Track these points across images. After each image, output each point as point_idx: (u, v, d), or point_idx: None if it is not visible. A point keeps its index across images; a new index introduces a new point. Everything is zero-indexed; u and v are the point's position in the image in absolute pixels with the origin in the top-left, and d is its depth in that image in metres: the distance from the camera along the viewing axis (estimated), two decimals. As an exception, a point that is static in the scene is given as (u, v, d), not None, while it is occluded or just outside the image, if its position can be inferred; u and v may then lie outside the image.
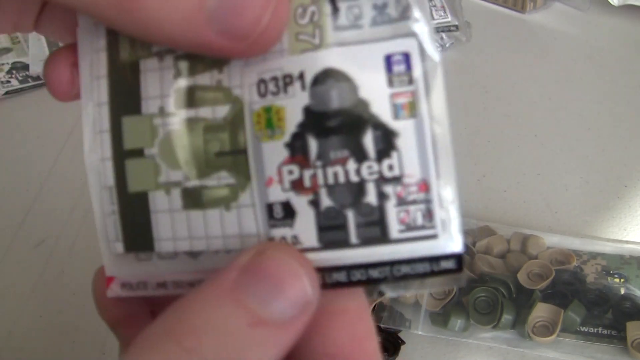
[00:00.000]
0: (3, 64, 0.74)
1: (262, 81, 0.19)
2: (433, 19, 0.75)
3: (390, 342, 0.45)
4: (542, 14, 0.81)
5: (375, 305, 0.47)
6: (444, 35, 0.75)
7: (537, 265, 0.49)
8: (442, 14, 0.76)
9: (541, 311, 0.45)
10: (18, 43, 0.77)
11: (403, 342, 0.45)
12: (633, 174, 0.59)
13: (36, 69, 0.73)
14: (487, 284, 0.47)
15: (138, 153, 0.21)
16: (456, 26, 0.75)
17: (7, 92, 0.72)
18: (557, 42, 0.77)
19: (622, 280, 0.48)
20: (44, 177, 0.62)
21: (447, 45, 0.76)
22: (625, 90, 0.69)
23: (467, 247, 0.50)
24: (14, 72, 0.74)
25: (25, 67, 0.74)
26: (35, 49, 0.74)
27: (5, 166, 0.64)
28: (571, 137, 0.63)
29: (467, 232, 0.52)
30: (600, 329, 0.45)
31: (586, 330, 0.45)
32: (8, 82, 0.72)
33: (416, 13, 0.18)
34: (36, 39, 0.75)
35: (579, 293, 0.47)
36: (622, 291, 0.47)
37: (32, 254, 0.55)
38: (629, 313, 0.45)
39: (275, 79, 0.19)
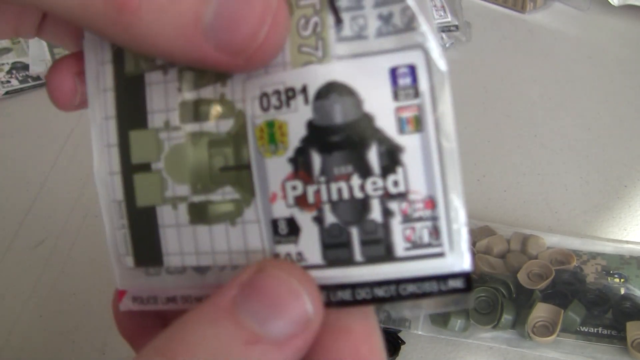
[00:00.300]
0: (3, 64, 0.74)
1: (264, 95, 0.19)
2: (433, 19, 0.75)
3: (390, 342, 0.45)
4: (542, 14, 0.81)
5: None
6: (444, 35, 0.75)
7: (537, 265, 0.49)
8: (442, 14, 0.76)
9: (541, 311, 0.45)
10: (18, 43, 0.77)
11: (403, 342, 0.45)
12: (633, 174, 0.59)
13: (36, 69, 0.73)
14: (487, 284, 0.47)
15: (145, 167, 0.21)
16: (456, 26, 0.75)
17: (7, 92, 0.72)
18: (557, 42, 0.77)
19: (622, 280, 0.48)
20: (44, 177, 0.62)
21: (447, 45, 0.76)
22: (625, 91, 0.69)
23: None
24: (14, 72, 0.74)
25: (25, 67, 0.74)
26: (35, 49, 0.74)
27: (5, 166, 0.64)
28: (571, 137, 0.63)
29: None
30: (600, 329, 0.45)
31: (586, 330, 0.45)
32: (8, 82, 0.72)
33: (422, 23, 0.18)
34: (36, 39, 0.75)
35: (579, 293, 0.47)
36: (622, 291, 0.47)
37: (32, 254, 0.55)
38: (629, 313, 0.45)
39: (277, 92, 0.19)
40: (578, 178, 0.59)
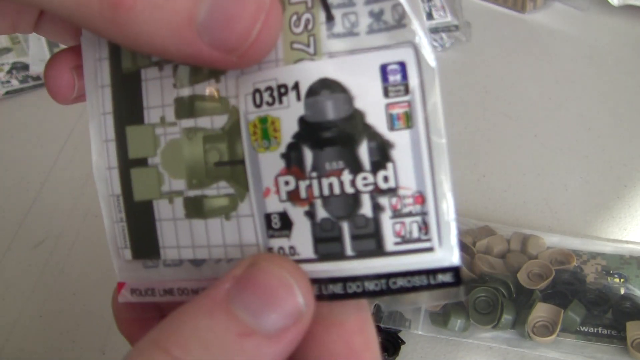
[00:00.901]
0: (3, 64, 0.74)
1: (257, 91, 0.19)
2: (433, 19, 0.75)
3: (390, 342, 0.45)
4: (542, 14, 0.81)
5: (375, 305, 0.47)
6: (444, 35, 0.75)
7: (537, 265, 0.49)
8: (442, 14, 0.76)
9: (541, 311, 0.45)
10: (18, 43, 0.77)
11: (403, 342, 0.45)
12: (633, 174, 0.59)
13: (36, 69, 0.73)
14: (487, 284, 0.47)
15: (142, 162, 0.21)
16: (456, 26, 0.75)
17: (7, 92, 0.72)
18: (557, 42, 0.77)
19: (622, 280, 0.48)
20: (44, 177, 0.62)
21: (447, 45, 0.76)
22: (625, 90, 0.69)
23: (467, 247, 0.50)
24: (14, 72, 0.74)
25: (25, 67, 0.74)
26: (35, 49, 0.74)
27: (5, 166, 0.64)
28: (571, 137, 0.63)
29: (467, 232, 0.52)
30: (600, 329, 0.45)
31: (586, 330, 0.45)
32: (8, 82, 0.72)
33: (412, 20, 0.18)
34: (36, 39, 0.75)
35: (579, 293, 0.47)
36: (622, 291, 0.47)
37: (32, 254, 0.55)
38: (629, 313, 0.45)
39: (270, 89, 0.19)
40: (578, 178, 0.59)
